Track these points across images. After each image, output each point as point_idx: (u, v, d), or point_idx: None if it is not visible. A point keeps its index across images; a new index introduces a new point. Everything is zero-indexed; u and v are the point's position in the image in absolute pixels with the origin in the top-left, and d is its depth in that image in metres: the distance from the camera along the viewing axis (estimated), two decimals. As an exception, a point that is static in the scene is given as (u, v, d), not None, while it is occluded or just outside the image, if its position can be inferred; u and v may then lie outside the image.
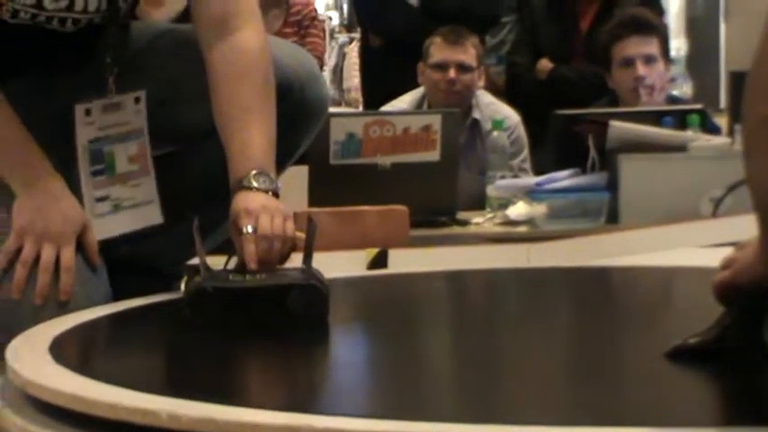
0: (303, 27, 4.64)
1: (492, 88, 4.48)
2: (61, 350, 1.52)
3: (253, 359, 1.57)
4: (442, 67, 3.93)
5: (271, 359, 1.56)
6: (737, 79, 3.93)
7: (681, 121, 3.31)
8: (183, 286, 1.71)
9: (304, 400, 1.35)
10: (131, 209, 2.09)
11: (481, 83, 4.06)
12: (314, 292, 1.64)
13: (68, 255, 1.88)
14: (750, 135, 1.23)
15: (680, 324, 1.63)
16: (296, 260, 1.79)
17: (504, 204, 3.29)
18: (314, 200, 3.09)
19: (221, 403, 1.21)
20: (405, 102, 3.98)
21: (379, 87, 4.32)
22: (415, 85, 4.08)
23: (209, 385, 1.38)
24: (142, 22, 2.34)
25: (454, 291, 2.30)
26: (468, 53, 3.95)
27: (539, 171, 3.75)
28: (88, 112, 2.06)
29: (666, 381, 1.36)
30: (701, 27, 10.39)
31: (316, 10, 4.89)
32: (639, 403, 1.31)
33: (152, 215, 2.09)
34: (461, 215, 3.29)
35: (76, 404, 1.28)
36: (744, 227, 2.83)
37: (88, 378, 1.35)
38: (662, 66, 3.97)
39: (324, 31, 4.77)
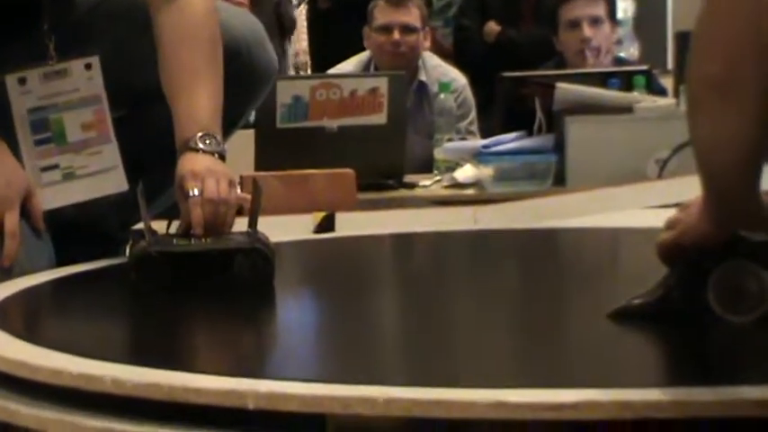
0: None
1: (439, 51, 4.48)
2: (4, 316, 1.52)
3: (198, 324, 1.57)
4: (386, 29, 3.93)
5: (216, 324, 1.55)
6: (683, 39, 3.94)
7: (627, 82, 3.32)
8: (127, 251, 1.70)
9: (249, 364, 1.35)
10: (88, 177, 2.08)
11: (427, 44, 4.05)
12: (259, 256, 1.64)
13: (12, 220, 1.87)
14: (694, 95, 1.24)
15: (626, 285, 1.64)
16: (242, 224, 1.78)
17: (452, 167, 3.29)
18: (261, 163, 3.09)
19: (166, 368, 1.21)
20: (351, 65, 3.97)
21: (327, 50, 4.30)
22: (363, 49, 4.06)
23: (154, 351, 1.38)
24: None
25: (401, 253, 2.31)
26: (411, 14, 3.94)
27: (486, 134, 3.76)
28: (22, 81, 2.04)
29: (610, 341, 1.36)
30: (647, -12, 10.41)
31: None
32: (584, 364, 1.32)
33: (115, 182, 2.07)
34: (409, 178, 3.29)
35: (20, 370, 1.27)
36: (689, 188, 2.85)
37: (31, 344, 1.34)
38: (608, 27, 3.98)
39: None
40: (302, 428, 1.11)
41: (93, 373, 1.21)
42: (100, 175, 2.07)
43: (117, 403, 1.18)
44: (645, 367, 1.30)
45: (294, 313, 1.67)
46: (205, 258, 1.64)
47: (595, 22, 3.92)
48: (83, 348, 1.30)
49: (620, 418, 1.08)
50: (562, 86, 3.18)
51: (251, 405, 1.12)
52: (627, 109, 3.11)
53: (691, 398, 1.11)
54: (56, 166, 2.05)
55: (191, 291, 1.63)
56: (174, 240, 1.71)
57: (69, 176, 2.05)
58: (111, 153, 2.08)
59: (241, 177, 2.73)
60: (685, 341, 1.34)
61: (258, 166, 3.08)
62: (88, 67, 2.07)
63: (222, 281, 1.63)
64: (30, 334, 1.42)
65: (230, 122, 2.08)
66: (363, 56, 4.01)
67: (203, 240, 1.69)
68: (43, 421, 1.22)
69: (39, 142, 2.04)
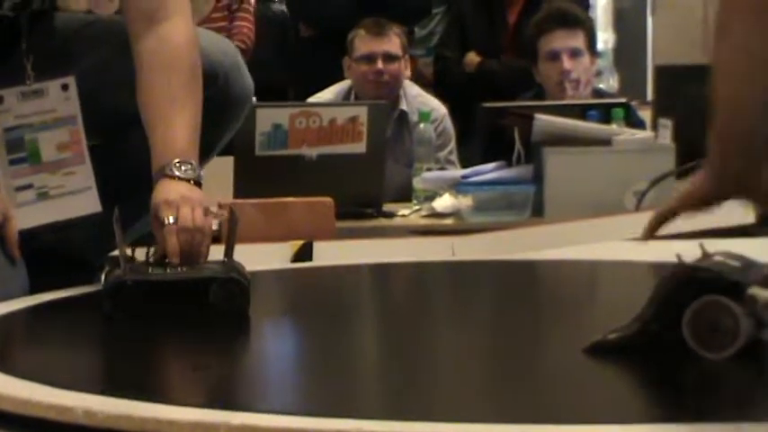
0: (232, 11, 4.59)
1: (420, 80, 4.49)
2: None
3: (172, 354, 1.56)
4: (368, 58, 3.93)
5: (190, 354, 1.54)
6: (663, 73, 3.96)
7: (606, 114, 3.33)
8: (102, 279, 1.69)
9: (222, 396, 1.34)
10: (62, 197, 2.07)
11: (407, 72, 4.06)
12: (235, 286, 1.63)
13: None
14: (725, 18, 1.23)
15: (603, 318, 1.64)
16: (218, 252, 1.77)
17: (431, 197, 3.29)
18: (239, 191, 3.08)
19: (139, 399, 1.20)
20: (331, 93, 3.97)
21: (306, 78, 4.30)
22: (342, 78, 4.06)
23: (127, 381, 1.36)
24: (70, 13, 2.31)
25: (378, 284, 2.30)
26: (392, 43, 3.95)
27: (466, 164, 3.76)
28: (0, 100, 2.04)
29: (586, 376, 1.36)
30: (628, 20, 10.46)
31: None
32: (558, 399, 1.31)
33: (88, 203, 2.07)
34: (388, 207, 3.29)
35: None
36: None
37: (2, 373, 1.32)
38: (587, 59, 3.99)
39: (254, 15, 4.68)
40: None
41: (64, 403, 1.20)
42: (74, 195, 2.07)
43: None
44: (620, 403, 1.29)
45: (269, 344, 1.66)
46: (180, 287, 1.64)
47: (575, 54, 3.93)
48: (54, 378, 1.29)
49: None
50: (541, 118, 3.19)
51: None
52: (605, 141, 3.12)
53: (665, 435, 1.11)
54: (30, 186, 2.05)
55: (165, 320, 1.63)
56: (150, 269, 1.70)
57: (43, 196, 2.05)
58: (85, 174, 2.08)
59: (219, 205, 2.72)
60: (661, 377, 1.34)
61: (237, 194, 3.07)
62: (65, 87, 2.07)
63: (197, 310, 1.62)
64: (0, 362, 1.40)
65: (207, 148, 2.08)
66: (344, 84, 4.01)
67: (179, 269, 1.68)
68: (12, 452, 1.22)
69: (13, 162, 2.04)
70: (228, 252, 1.72)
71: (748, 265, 1.42)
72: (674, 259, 1.41)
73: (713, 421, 1.11)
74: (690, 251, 1.43)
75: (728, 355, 1.31)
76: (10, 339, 1.68)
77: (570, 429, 1.09)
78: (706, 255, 1.43)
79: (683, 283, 1.34)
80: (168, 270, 1.67)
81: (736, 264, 1.39)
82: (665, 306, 1.34)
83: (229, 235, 1.77)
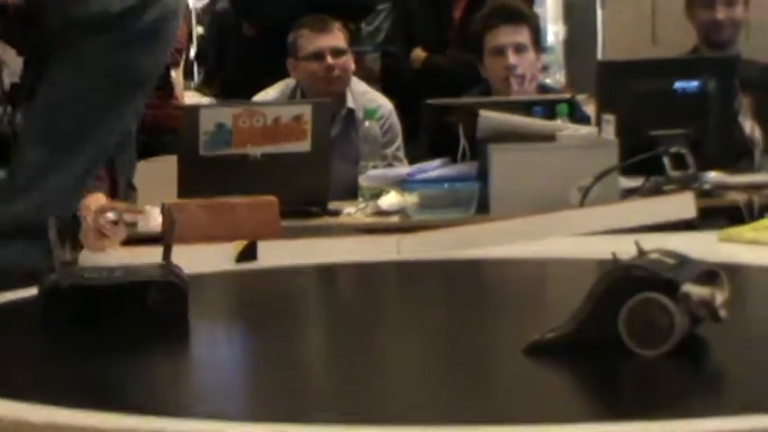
0: None
1: (368, 77, 4.48)
2: None
3: (108, 359, 1.54)
4: (317, 56, 3.93)
5: (126, 358, 1.53)
6: (606, 69, 3.98)
7: (550, 110, 3.35)
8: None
9: (158, 401, 1.33)
10: None
11: (352, 66, 4.06)
12: (172, 289, 1.62)
13: None
14: None
15: (547, 316, 1.64)
16: (157, 255, 1.76)
17: (377, 194, 3.30)
18: (183, 191, 3.07)
19: (69, 407, 1.19)
20: (275, 91, 3.97)
21: (249, 77, 4.29)
22: (283, 77, 4.06)
23: (59, 388, 1.36)
24: None
25: (323, 285, 2.30)
26: (337, 37, 3.97)
27: (413, 160, 3.77)
28: None
29: (524, 376, 1.37)
30: (579, 13, 10.52)
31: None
32: (498, 399, 1.32)
33: None
34: (334, 205, 3.30)
35: None
36: (611, 215, 2.88)
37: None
38: (533, 55, 4.01)
39: (190, 19, 4.69)
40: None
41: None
42: None
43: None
44: (556, 402, 1.30)
45: (207, 348, 1.65)
46: (117, 291, 1.62)
47: (519, 49, 3.95)
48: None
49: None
50: (485, 114, 3.20)
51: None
52: (550, 137, 3.14)
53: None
54: None
55: (102, 325, 1.61)
56: (85, 273, 1.68)
57: None
58: None
59: (162, 205, 2.71)
60: (597, 375, 1.34)
61: (181, 194, 3.06)
62: None
63: (135, 314, 1.61)
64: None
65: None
66: (289, 82, 4.01)
67: (116, 273, 1.66)
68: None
69: None
70: (166, 254, 1.71)
71: (683, 261, 1.43)
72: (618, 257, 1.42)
73: (649, 419, 1.12)
74: (630, 248, 1.44)
75: (664, 352, 1.32)
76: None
77: (503, 429, 1.09)
78: (641, 252, 1.44)
79: (619, 282, 1.35)
80: (104, 274, 1.66)
81: (670, 261, 1.40)
82: (600, 304, 1.35)
83: (167, 237, 1.76)
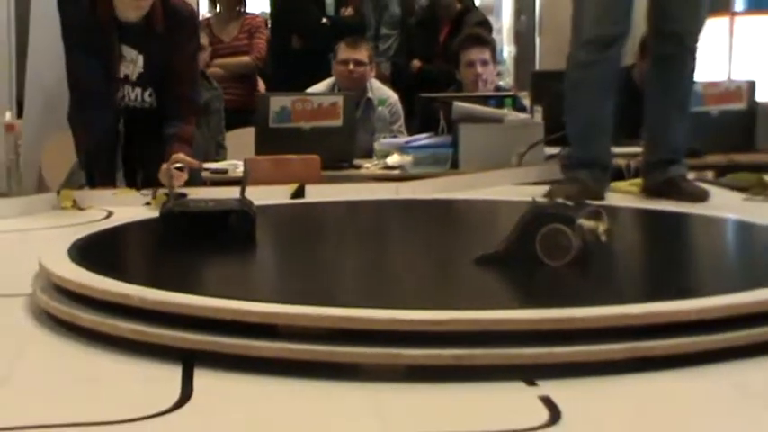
0: (252, 34, 4.51)
1: (383, 78, 4.43)
2: (78, 254, 1.47)
3: (202, 260, 1.53)
4: (344, 62, 3.88)
5: (214, 260, 1.52)
6: (537, 76, 3.96)
7: (501, 102, 3.32)
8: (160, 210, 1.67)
9: (232, 289, 1.33)
10: None
11: (372, 74, 4.00)
12: (246, 215, 1.61)
13: None
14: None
15: (493, 238, 1.62)
16: (237, 192, 1.74)
17: (385, 155, 3.27)
18: (258, 151, 3.05)
19: (175, 291, 1.18)
20: (322, 86, 3.91)
21: (291, 77, 4.18)
22: (320, 75, 3.99)
23: (168, 278, 1.34)
24: None
25: (347, 214, 2.28)
26: (361, 53, 3.89)
27: (410, 133, 3.72)
28: None
29: (474, 278, 1.36)
30: (523, 38, 10.43)
31: (262, 21, 4.74)
32: (454, 292, 1.31)
33: None
34: (357, 162, 3.27)
35: (81, 289, 1.25)
36: (538, 172, 2.86)
37: (90, 271, 1.31)
38: (492, 67, 3.97)
39: (267, 36, 4.60)
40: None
41: (126, 292, 1.19)
42: None
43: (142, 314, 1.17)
44: (495, 295, 1.30)
45: (269, 255, 1.64)
46: (209, 215, 1.60)
47: (484, 63, 3.90)
48: (121, 275, 1.27)
49: (472, 330, 1.08)
50: (458, 104, 3.18)
51: (228, 316, 1.11)
52: (499, 120, 3.11)
53: (520, 316, 1.11)
54: None
55: (201, 238, 1.59)
56: (190, 203, 1.67)
57: None
58: None
59: (244, 160, 2.70)
60: (521, 278, 1.34)
61: (257, 153, 3.04)
62: None
63: (220, 232, 1.59)
64: (86, 264, 1.37)
65: None
66: (329, 81, 3.95)
67: (209, 203, 1.64)
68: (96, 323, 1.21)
69: None
70: (242, 192, 1.69)
71: (580, 205, 1.42)
72: (535, 199, 1.41)
73: (555, 307, 1.12)
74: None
75: (565, 263, 1.32)
76: (92, 249, 1.66)
77: (460, 314, 1.09)
78: (552, 197, 1.43)
79: (536, 217, 1.35)
80: (202, 204, 1.65)
81: (570, 204, 1.39)
82: (524, 231, 1.35)
83: (243, 180, 1.74)
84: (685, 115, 2.36)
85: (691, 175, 3.05)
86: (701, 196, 2.27)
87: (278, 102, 3.15)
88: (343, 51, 3.90)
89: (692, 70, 2.34)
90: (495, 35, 5.94)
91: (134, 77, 2.53)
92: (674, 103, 2.34)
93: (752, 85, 3.40)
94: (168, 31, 2.50)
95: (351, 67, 3.85)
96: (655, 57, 2.35)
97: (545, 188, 2.29)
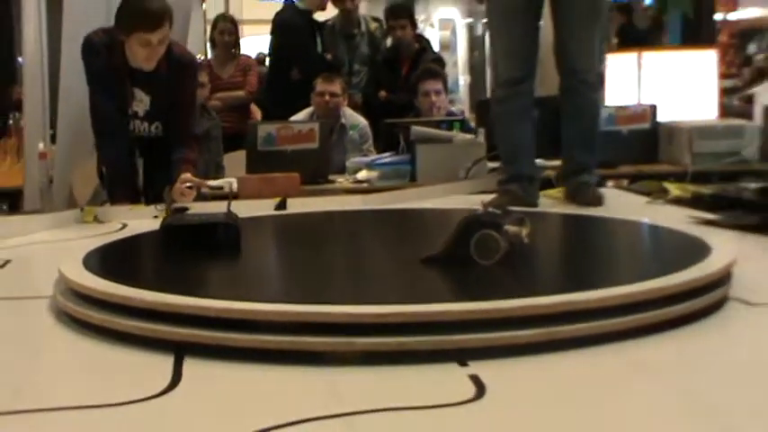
0: (246, 72, 4.53)
1: (355, 106, 4.43)
2: (91, 262, 1.46)
3: (194, 266, 1.52)
4: (321, 94, 3.88)
5: (204, 266, 1.51)
6: (482, 104, 3.98)
7: (450, 126, 3.33)
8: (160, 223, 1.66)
9: (220, 291, 1.33)
10: None
11: (345, 103, 4.01)
12: (232, 228, 1.60)
13: None
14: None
15: (438, 241, 1.63)
16: (224, 206, 1.72)
17: (356, 171, 3.28)
18: (249, 170, 3.05)
19: (169, 293, 1.18)
20: (302, 114, 3.91)
21: (286, 104, 4.18)
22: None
23: (165, 281, 1.34)
24: None
25: (323, 222, 2.28)
26: (336, 86, 3.89)
27: (378, 152, 3.73)
28: None
29: (420, 275, 1.37)
30: (476, 70, 10.50)
31: (254, 61, 4.76)
32: (404, 288, 1.32)
33: None
34: (332, 177, 3.27)
35: (92, 292, 1.25)
36: (482, 183, 2.85)
37: (100, 278, 1.31)
38: (444, 95, 3.99)
39: (259, 74, 4.64)
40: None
41: (130, 295, 1.19)
42: None
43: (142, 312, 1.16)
44: (435, 290, 1.31)
45: (254, 261, 1.63)
46: (200, 227, 1.59)
47: (437, 93, 3.92)
48: (129, 281, 1.26)
49: (414, 321, 1.09)
50: (415, 128, 3.20)
51: (213, 314, 1.11)
52: (449, 140, 3.12)
53: (456, 308, 1.12)
54: None
55: (192, 248, 1.55)
56: (185, 217, 1.66)
57: None
58: None
59: (237, 178, 2.70)
60: (458, 275, 1.34)
61: (248, 172, 3.04)
62: None
63: (210, 242, 1.57)
64: (101, 271, 1.36)
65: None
66: (309, 109, 3.95)
67: (200, 217, 1.63)
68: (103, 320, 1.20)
69: None
70: (229, 206, 1.68)
71: (507, 213, 1.43)
72: (477, 207, 1.42)
73: (486, 300, 1.13)
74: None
75: (494, 262, 1.33)
76: (104, 258, 1.65)
77: (405, 308, 1.10)
78: (485, 207, 1.44)
79: (471, 223, 1.36)
80: (195, 217, 1.64)
81: (498, 212, 1.41)
82: (461, 235, 1.36)
83: (230, 197, 1.74)
84: (589, 136, 2.42)
85: (609, 183, 3.13)
86: (596, 202, 2.32)
87: (265, 129, 3.16)
88: (320, 85, 3.91)
89: (593, 100, 2.41)
90: (451, 68, 5.94)
91: (142, 114, 2.56)
92: (579, 127, 2.41)
93: (654, 108, 3.48)
94: (171, 76, 2.53)
95: (327, 98, 3.87)
96: (560, 88, 2.41)
97: (489, 196, 2.31)
